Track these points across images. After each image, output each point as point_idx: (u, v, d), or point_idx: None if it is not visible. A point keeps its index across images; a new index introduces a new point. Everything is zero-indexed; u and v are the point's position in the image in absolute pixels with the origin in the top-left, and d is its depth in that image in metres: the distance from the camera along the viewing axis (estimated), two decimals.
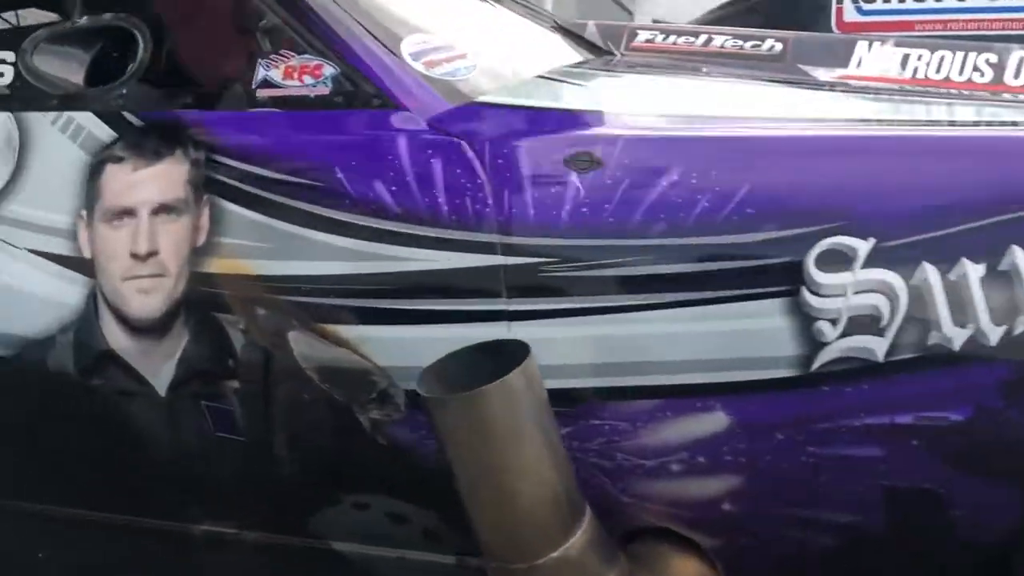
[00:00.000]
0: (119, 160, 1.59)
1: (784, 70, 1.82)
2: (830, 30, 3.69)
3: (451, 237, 1.39)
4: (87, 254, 1.57)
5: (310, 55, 1.59)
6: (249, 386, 1.49)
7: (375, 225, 1.43)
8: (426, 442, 1.41)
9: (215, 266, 1.51)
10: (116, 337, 1.55)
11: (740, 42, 1.86)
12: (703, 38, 1.89)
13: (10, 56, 1.73)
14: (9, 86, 1.73)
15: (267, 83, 1.60)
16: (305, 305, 1.46)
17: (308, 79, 1.59)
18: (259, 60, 1.61)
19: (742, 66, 1.83)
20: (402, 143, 1.46)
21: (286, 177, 1.49)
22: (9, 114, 1.69)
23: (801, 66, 1.83)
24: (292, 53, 1.61)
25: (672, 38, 1.90)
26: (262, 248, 1.49)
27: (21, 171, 1.64)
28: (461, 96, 1.55)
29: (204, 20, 1.80)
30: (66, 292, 1.59)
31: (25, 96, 1.71)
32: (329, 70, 1.58)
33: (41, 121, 1.67)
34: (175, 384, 1.53)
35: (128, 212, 1.55)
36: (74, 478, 1.65)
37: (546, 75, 1.70)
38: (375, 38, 1.59)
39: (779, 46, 1.85)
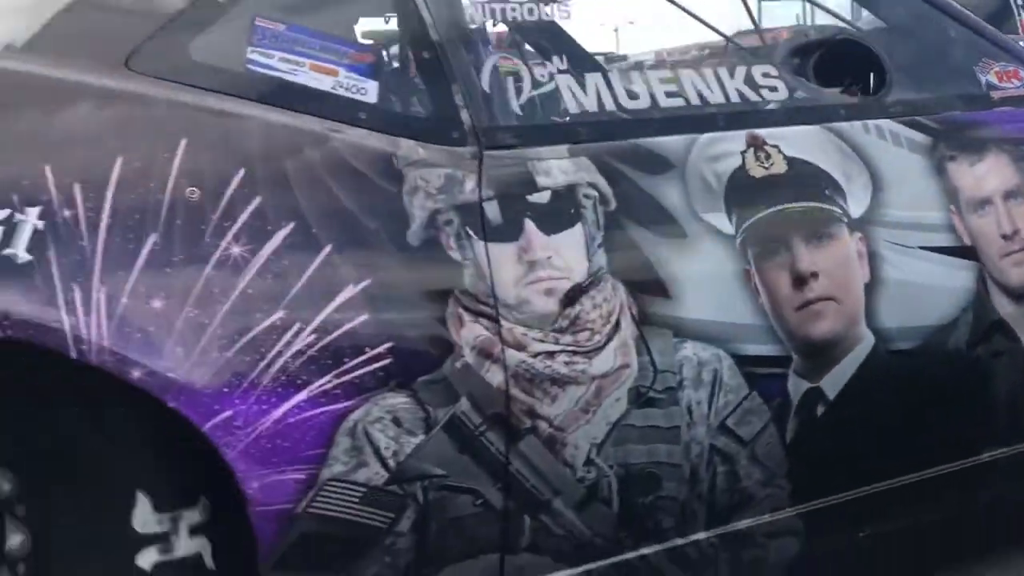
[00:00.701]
0: (953, 159, 1.82)
1: None
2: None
3: None
4: (968, 242, 1.80)
5: (1005, 62, 1.99)
6: None
7: None
8: None
9: None
10: (1003, 306, 1.82)
11: None
12: None
13: (768, 74, 1.77)
14: (784, 101, 1.77)
15: (990, 86, 1.96)
16: None
17: (1015, 81, 1.99)
18: (975, 67, 1.96)
19: None
20: None
21: None
22: (818, 127, 1.76)
23: None
24: (990, 61, 1.99)
25: None
26: None
27: (877, 179, 1.75)
28: None
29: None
30: (959, 278, 1.79)
31: (802, 109, 1.78)
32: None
33: (858, 131, 1.78)
34: None
35: (987, 201, 1.82)
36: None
37: None
38: None
39: None
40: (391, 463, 1.39)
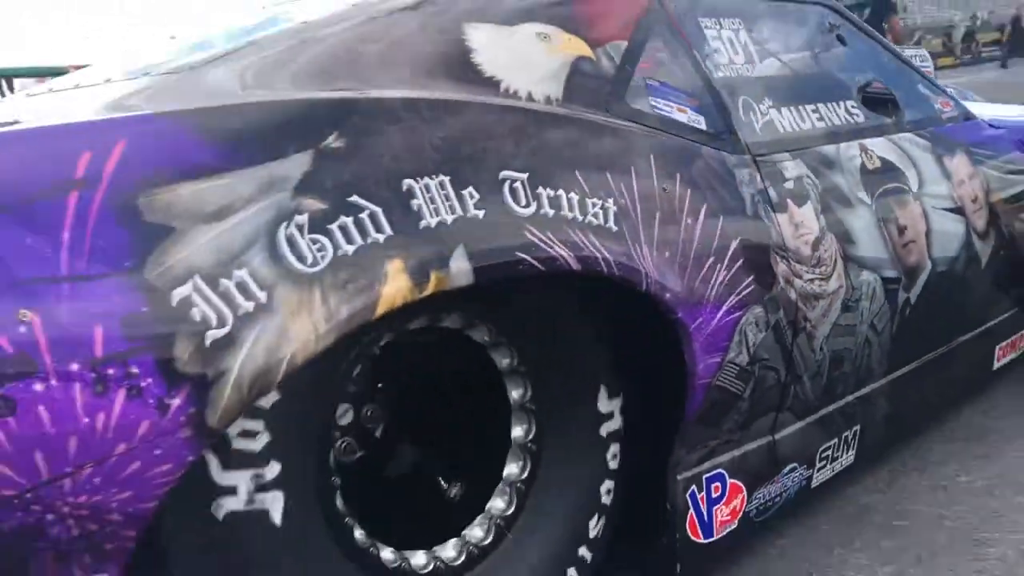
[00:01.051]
0: (943, 155, 2.96)
1: None
2: None
3: None
4: (960, 205, 2.92)
5: (942, 96, 3.16)
6: None
7: None
8: None
9: None
10: (975, 244, 2.97)
11: None
12: None
13: (853, 105, 2.81)
14: (865, 122, 2.81)
15: (939, 111, 3.12)
16: None
17: (948, 108, 3.16)
18: (930, 100, 3.11)
19: None
20: None
21: None
22: (883, 138, 2.82)
23: None
24: (934, 96, 3.15)
25: None
26: None
27: (917, 167, 2.84)
28: None
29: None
30: (958, 227, 2.91)
31: (872, 127, 2.83)
32: None
33: (900, 139, 2.86)
34: None
35: (962, 180, 2.96)
36: None
37: None
38: None
39: None
40: (751, 350, 2.25)
